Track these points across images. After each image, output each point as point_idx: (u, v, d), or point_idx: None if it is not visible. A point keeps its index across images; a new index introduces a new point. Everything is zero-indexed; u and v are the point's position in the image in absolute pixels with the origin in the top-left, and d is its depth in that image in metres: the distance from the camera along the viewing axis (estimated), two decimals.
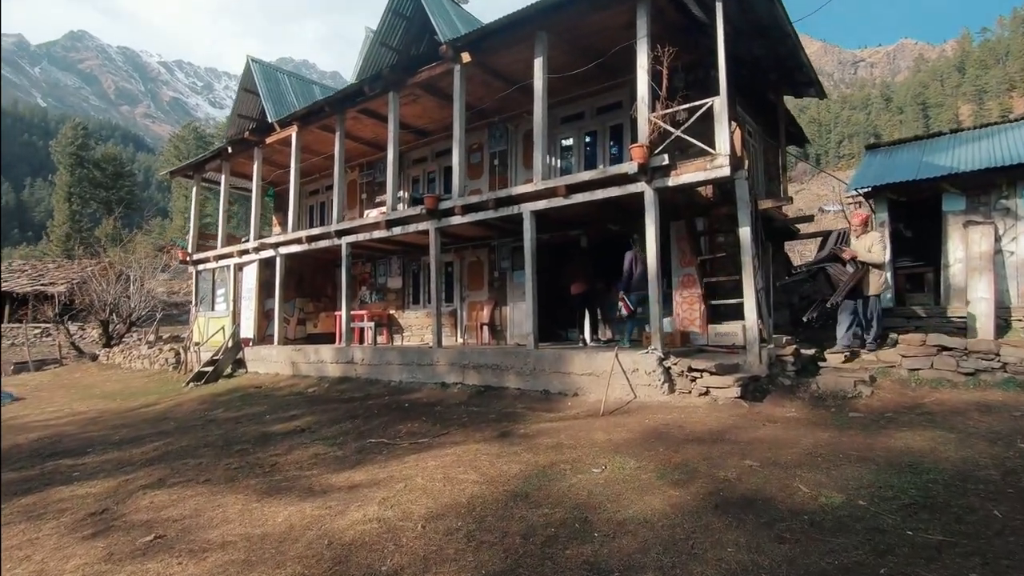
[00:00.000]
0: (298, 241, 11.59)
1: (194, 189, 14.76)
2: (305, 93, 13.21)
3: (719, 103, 6.64)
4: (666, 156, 6.83)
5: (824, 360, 7.24)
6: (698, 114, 6.80)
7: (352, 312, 12.73)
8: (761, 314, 6.93)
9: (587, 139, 10.46)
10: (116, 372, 15.49)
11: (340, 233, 10.79)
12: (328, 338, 13.22)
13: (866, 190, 9.70)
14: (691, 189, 7.97)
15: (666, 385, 6.58)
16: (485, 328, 11.17)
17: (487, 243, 11.49)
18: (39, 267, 31.58)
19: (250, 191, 13.71)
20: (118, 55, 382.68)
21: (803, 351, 7.33)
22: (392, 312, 13.29)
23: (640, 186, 7.11)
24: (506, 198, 8.39)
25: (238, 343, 12.56)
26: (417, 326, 12.78)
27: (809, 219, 11.35)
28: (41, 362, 17.63)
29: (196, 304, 14.70)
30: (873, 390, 6.18)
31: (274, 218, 16.59)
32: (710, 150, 6.64)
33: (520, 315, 10.60)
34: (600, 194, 7.48)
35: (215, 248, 13.81)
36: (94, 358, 18.11)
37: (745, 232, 6.75)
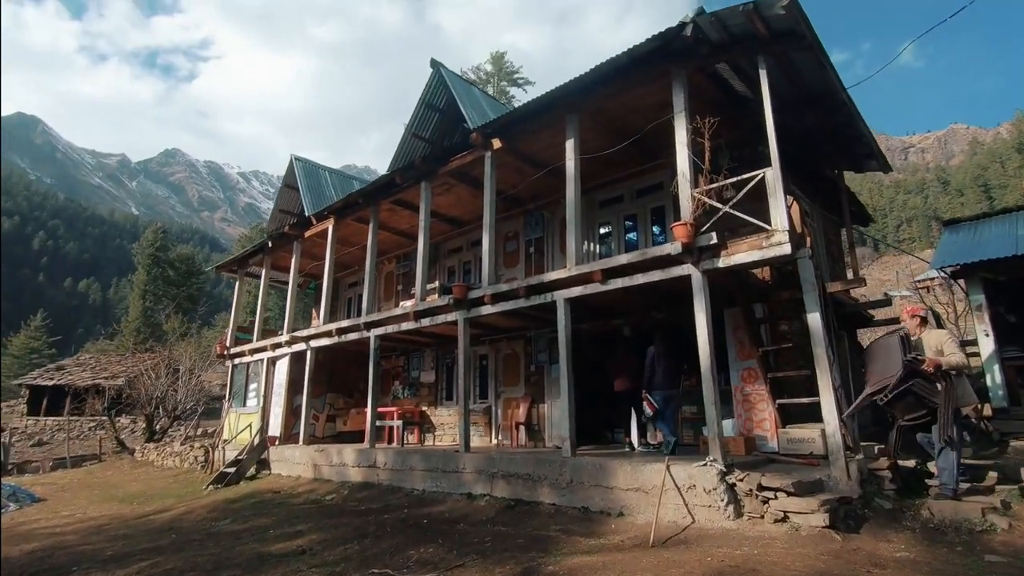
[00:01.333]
0: (328, 334, 11.20)
1: (237, 284, 14.97)
2: (344, 187, 13.48)
3: (772, 174, 5.92)
4: (714, 235, 6.06)
5: (932, 476, 5.83)
6: (748, 187, 6.08)
7: (380, 409, 12.01)
8: (842, 417, 5.72)
9: (627, 223, 9.87)
10: (147, 470, 15.08)
11: (369, 325, 10.33)
12: (358, 436, 12.40)
13: (953, 269, 8.50)
14: (745, 271, 7.13)
15: (731, 507, 5.35)
16: (521, 428, 10.13)
17: (523, 334, 10.74)
18: (103, 360, 32.86)
19: (279, 285, 13.71)
20: (203, 168, 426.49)
21: (901, 463, 5.96)
22: (424, 408, 12.47)
23: (686, 268, 6.30)
24: (538, 285, 7.73)
25: (263, 442, 11.94)
26: (450, 424, 11.85)
27: (886, 303, 10.07)
28: (81, 458, 17.53)
29: (229, 399, 14.37)
30: (1010, 521, 4.76)
31: (313, 312, 16.55)
32: (765, 226, 5.83)
33: (559, 414, 9.55)
34: (640, 279, 6.71)
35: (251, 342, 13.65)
36: (133, 453, 17.89)
37: (815, 318, 5.73)
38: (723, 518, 5.34)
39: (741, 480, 5.43)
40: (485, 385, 11.37)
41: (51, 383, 29.17)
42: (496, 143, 8.51)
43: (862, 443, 6.45)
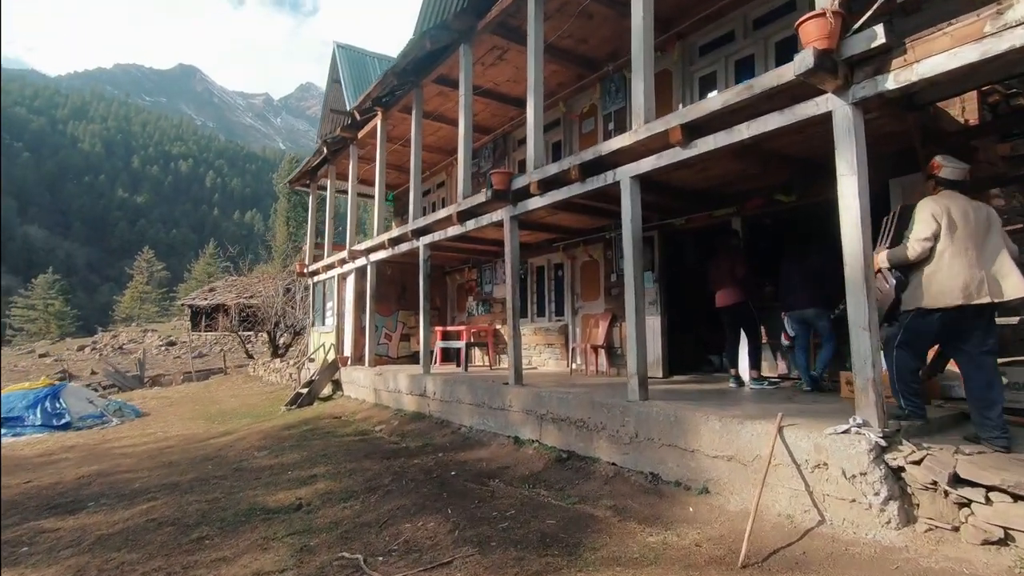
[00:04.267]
0: (382, 246, 9.88)
1: (310, 198, 14.22)
2: None
3: None
4: (879, 29, 3.33)
5: None
6: None
7: (450, 328, 10.73)
8: None
9: (738, 71, 6.92)
10: (252, 386, 15.69)
11: (416, 233, 8.77)
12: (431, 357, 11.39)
13: None
14: (933, 106, 4.29)
15: (893, 507, 3.08)
16: (600, 352, 8.19)
17: (602, 235, 8.52)
18: (245, 282, 36.11)
19: (371, 196, 12.55)
20: None
21: None
22: (498, 327, 10.97)
23: (824, 101, 3.68)
24: (594, 161, 5.44)
25: (335, 363, 11.35)
26: (525, 345, 10.23)
27: None
28: (208, 371, 19.00)
29: (312, 318, 14.09)
30: None
31: (394, 224, 15.51)
32: None
33: (648, 334, 7.43)
34: (745, 131, 4.18)
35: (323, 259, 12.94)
36: (246, 368, 19.02)
37: None
38: (879, 524, 3.10)
39: (916, 462, 3.10)
40: (561, 299, 9.48)
41: (205, 303, 32.71)
42: None
43: None
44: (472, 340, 10.42)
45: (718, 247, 6.21)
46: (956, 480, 2.93)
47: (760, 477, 3.53)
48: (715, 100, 4.28)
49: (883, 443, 3.18)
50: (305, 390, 10.97)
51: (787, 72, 3.72)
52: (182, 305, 36.81)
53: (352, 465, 6.15)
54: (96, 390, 15.34)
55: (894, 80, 3.36)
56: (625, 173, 5.16)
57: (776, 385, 5.81)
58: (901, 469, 3.13)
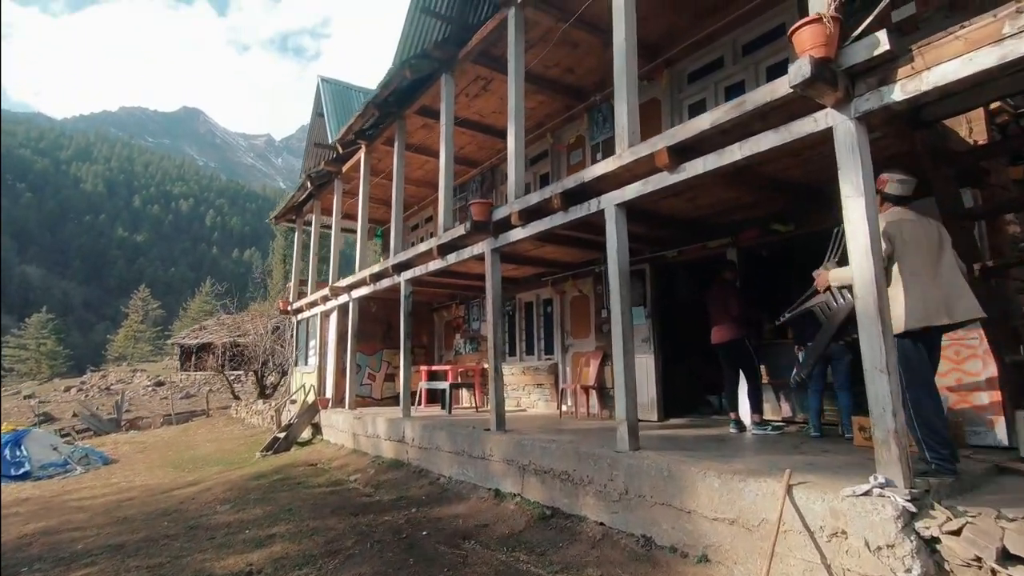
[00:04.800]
0: (364, 282, 9.47)
1: (296, 233, 13.89)
2: None
3: None
4: (882, 35, 2.99)
5: None
6: None
7: (435, 368, 10.23)
8: None
9: (728, 97, 6.66)
10: (232, 429, 15.04)
11: (398, 268, 8.36)
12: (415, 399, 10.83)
13: None
14: (940, 125, 3.96)
15: None
16: (591, 393, 7.68)
17: (591, 268, 8.12)
18: (239, 321, 35.58)
19: (353, 231, 12.22)
20: None
21: None
22: (486, 366, 10.44)
23: (824, 117, 3.32)
24: (577, 189, 5.07)
25: (314, 405, 10.78)
26: (512, 385, 9.72)
27: None
28: (191, 414, 18.30)
29: (294, 357, 13.56)
30: None
31: (381, 260, 15.15)
32: None
33: (640, 373, 6.94)
34: (737, 152, 3.81)
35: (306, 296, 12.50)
36: (228, 410, 18.34)
37: None
38: None
39: (953, 532, 2.59)
40: (550, 337, 9.01)
41: (194, 342, 32.09)
42: None
43: None
44: (459, 380, 9.89)
45: (712, 280, 5.80)
46: (1005, 556, 2.42)
47: (768, 546, 3.01)
48: (704, 119, 3.93)
49: (912, 508, 2.68)
50: (283, 435, 10.37)
51: (782, 86, 3.38)
52: (171, 344, 36.17)
53: (316, 523, 5.56)
54: (69, 434, 14.65)
55: (901, 91, 3.00)
56: (609, 201, 4.78)
57: (780, 430, 5.30)
58: (935, 540, 2.62)
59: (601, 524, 4.32)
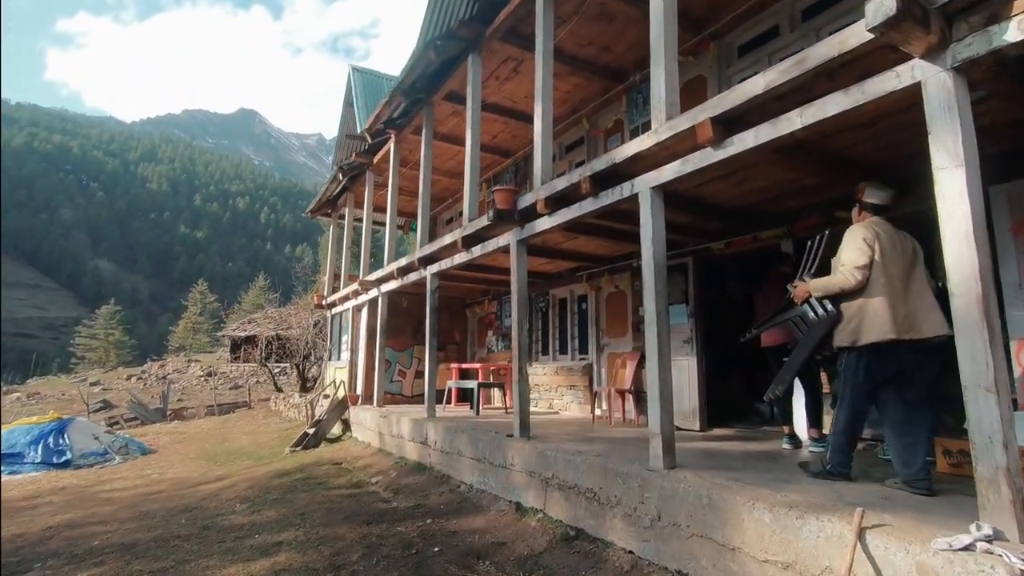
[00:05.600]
0: (392, 276, 9.16)
1: (331, 227, 13.80)
2: None
3: None
4: None
5: None
6: None
7: (465, 366, 9.84)
8: None
9: None
10: (269, 422, 15.15)
11: (423, 261, 7.99)
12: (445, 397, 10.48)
13: None
14: None
15: None
16: (628, 397, 7.09)
17: (628, 262, 7.51)
18: (285, 314, 36.47)
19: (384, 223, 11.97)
20: None
21: None
22: None
23: (909, 71, 2.67)
24: (608, 172, 4.52)
25: (344, 401, 10.59)
26: (545, 385, 9.21)
27: None
28: (233, 405, 18.64)
29: (328, 352, 13.48)
30: None
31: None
32: None
33: (680, 378, 6.32)
34: (796, 120, 3.18)
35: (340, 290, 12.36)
36: (268, 401, 18.57)
37: None
38: None
39: None
40: (585, 335, 8.45)
41: (244, 334, 33.06)
42: None
43: None
44: (490, 379, 9.47)
45: (765, 275, 5.11)
46: None
47: None
48: (756, 82, 3.31)
49: None
50: (312, 430, 10.22)
51: (854, 35, 2.75)
52: (222, 336, 37.46)
53: (326, 531, 5.23)
54: (117, 423, 15.10)
55: (1017, 29, 2.33)
56: (644, 184, 4.21)
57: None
58: None
59: (630, 553, 3.77)
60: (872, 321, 3.15)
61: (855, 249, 3.24)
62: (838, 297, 3.32)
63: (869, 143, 3.92)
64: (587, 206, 4.83)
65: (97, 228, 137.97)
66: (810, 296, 3.47)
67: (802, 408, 4.96)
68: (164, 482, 8.69)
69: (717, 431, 6.18)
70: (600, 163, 4.55)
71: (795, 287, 3.62)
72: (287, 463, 8.99)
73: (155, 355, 55.34)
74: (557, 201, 5.21)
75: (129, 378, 37.51)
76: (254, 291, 69.34)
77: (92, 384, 35.70)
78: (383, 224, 12.17)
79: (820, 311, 3.43)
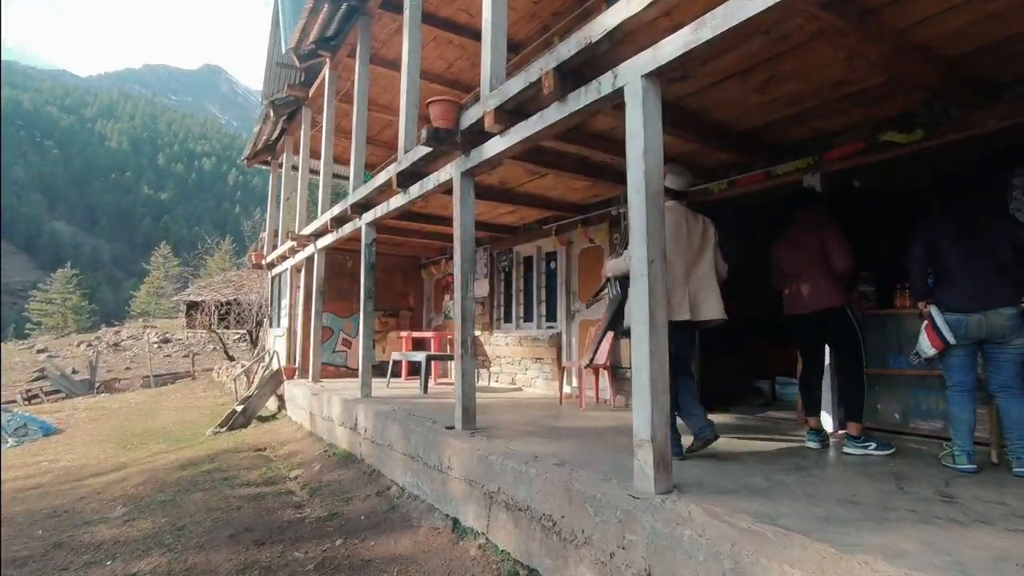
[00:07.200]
0: (326, 229, 7.69)
1: (271, 176, 12.10)
2: None
3: None
4: None
5: None
6: None
7: (416, 335, 8.53)
8: None
9: None
10: (209, 394, 13.76)
11: (357, 208, 6.53)
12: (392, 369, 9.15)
13: None
14: None
15: None
16: (603, 373, 5.85)
17: (607, 210, 6.17)
18: (243, 277, 34.41)
19: (345, 176, 10.32)
20: None
21: None
22: (478, 333, 8.70)
23: None
24: (579, 62, 3.11)
25: (278, 374, 9.20)
26: (507, 358, 7.94)
27: None
28: (174, 375, 17.12)
29: (268, 318, 12.01)
30: None
31: None
32: None
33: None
34: None
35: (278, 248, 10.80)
36: (211, 372, 17.09)
37: None
38: None
39: None
40: (553, 300, 7.15)
41: (200, 299, 31.12)
42: None
43: None
44: (446, 349, 8.16)
45: (794, 216, 3.80)
46: None
47: None
48: None
49: None
50: (240, 408, 8.84)
51: None
52: (177, 301, 35.41)
53: (198, 557, 3.91)
54: (36, 396, 13.48)
55: None
56: (633, 71, 2.81)
57: (889, 449, 3.38)
58: None
59: None
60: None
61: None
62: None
63: (971, 29, 2.59)
64: (551, 116, 3.42)
65: (53, 188, 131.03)
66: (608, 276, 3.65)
67: (829, 395, 3.77)
68: (50, 473, 7.25)
69: (714, 418, 4.95)
70: (569, 47, 3.13)
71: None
72: (202, 448, 7.61)
73: (117, 321, 52.82)
74: (512, 113, 3.79)
75: (79, 345, 35.35)
76: (220, 255, 66.60)
77: (39, 351, 33.53)
78: (341, 177, 10.58)
79: (614, 291, 3.56)
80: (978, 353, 3.02)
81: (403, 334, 8.79)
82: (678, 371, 3.32)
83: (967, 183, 3.32)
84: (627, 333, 3.50)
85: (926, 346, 3.04)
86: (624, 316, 3.40)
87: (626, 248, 3.24)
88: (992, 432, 3.21)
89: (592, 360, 4.17)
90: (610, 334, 5.56)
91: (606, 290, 3.76)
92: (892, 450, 3.36)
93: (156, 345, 32.24)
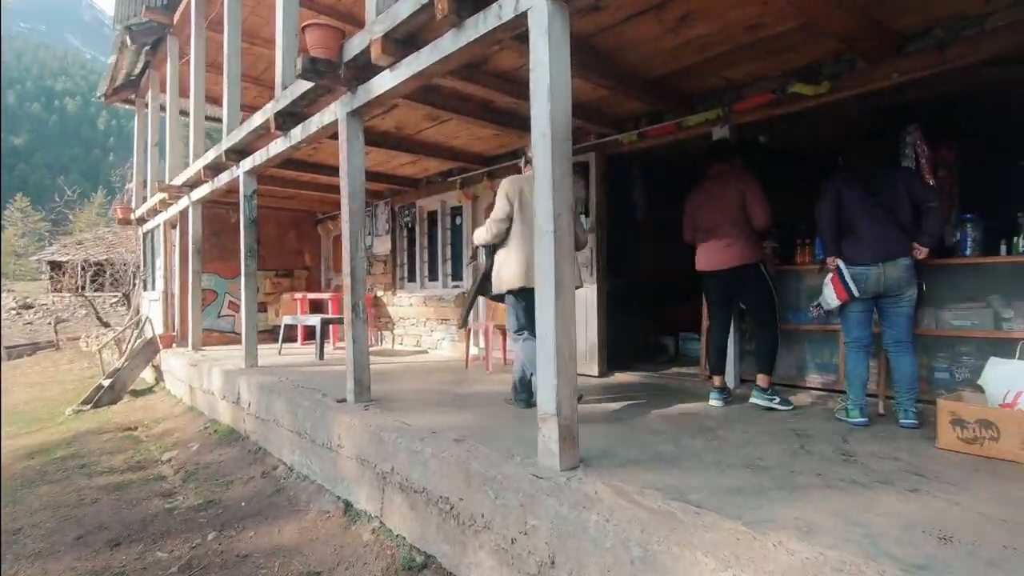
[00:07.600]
0: (200, 178, 6.73)
1: (136, 117, 10.51)
2: None
3: None
4: None
5: None
6: None
7: (312, 296, 7.90)
8: None
9: None
10: (75, 366, 12.22)
11: (234, 154, 5.70)
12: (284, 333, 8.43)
13: None
14: None
15: None
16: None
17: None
18: (121, 235, 30.78)
19: (217, 119, 9.05)
20: None
21: None
22: (379, 294, 8.19)
23: None
24: None
25: (152, 343, 8.19)
26: (412, 319, 7.54)
27: None
28: (35, 346, 15.09)
29: (143, 281, 10.71)
30: None
31: None
32: None
33: (578, 314, 4.89)
34: None
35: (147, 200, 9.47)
36: (79, 340, 15.27)
37: None
38: None
39: None
40: (459, 257, 6.78)
41: (67, 258, 27.46)
42: None
43: None
44: (342, 313, 7.58)
45: (713, 169, 3.64)
46: None
47: None
48: None
49: None
50: (108, 382, 7.81)
51: None
52: (39, 261, 31.11)
53: (33, 568, 3.28)
54: None
55: None
56: None
57: (791, 406, 3.42)
58: None
59: None
60: (507, 270, 3.38)
61: (497, 203, 3.42)
62: (494, 247, 3.51)
63: None
64: (447, 46, 2.96)
65: None
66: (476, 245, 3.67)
67: (732, 347, 3.77)
68: None
69: (619, 377, 4.91)
70: None
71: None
72: (58, 431, 6.63)
73: None
74: (403, 43, 3.28)
75: None
76: (91, 208, 59.34)
77: None
78: (215, 120, 9.30)
79: (481, 258, 3.63)
80: (874, 309, 3.05)
81: (298, 296, 8.07)
82: (534, 335, 3.22)
83: (868, 138, 3.32)
84: (498, 298, 3.68)
85: (831, 298, 3.03)
86: (492, 283, 3.49)
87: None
88: (880, 385, 3.31)
89: (465, 323, 4.15)
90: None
91: (479, 259, 3.70)
92: (792, 407, 3.40)
93: (15, 312, 28.34)
